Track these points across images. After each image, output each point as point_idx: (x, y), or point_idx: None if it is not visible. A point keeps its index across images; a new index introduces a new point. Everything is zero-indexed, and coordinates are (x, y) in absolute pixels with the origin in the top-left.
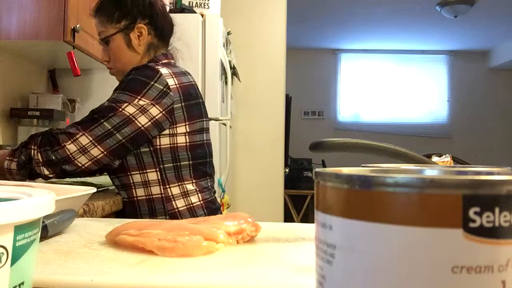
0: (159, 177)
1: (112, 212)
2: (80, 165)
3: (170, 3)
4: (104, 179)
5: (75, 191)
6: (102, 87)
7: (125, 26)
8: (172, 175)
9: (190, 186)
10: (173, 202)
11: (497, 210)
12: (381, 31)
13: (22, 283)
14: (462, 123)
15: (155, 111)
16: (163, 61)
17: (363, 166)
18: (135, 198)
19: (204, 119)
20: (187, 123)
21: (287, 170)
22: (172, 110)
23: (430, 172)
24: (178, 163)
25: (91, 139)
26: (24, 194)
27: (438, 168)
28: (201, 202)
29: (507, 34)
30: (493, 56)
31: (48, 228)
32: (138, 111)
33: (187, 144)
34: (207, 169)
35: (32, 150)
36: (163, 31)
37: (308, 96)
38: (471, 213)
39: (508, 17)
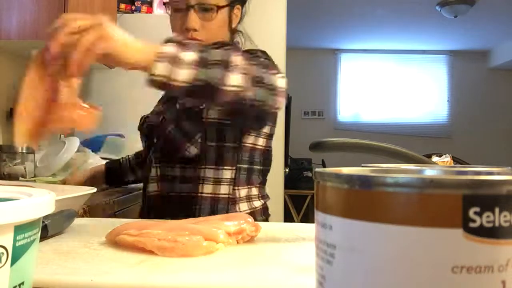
0: (232, 177)
1: (114, 211)
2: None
3: None
4: None
5: (75, 191)
6: (102, 87)
7: (232, 2)
8: (243, 177)
9: (254, 191)
10: (237, 205)
11: (497, 210)
12: (381, 31)
13: (22, 283)
14: (462, 123)
15: None
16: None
17: (363, 166)
18: (198, 194)
19: (274, 124)
20: (270, 124)
21: (287, 170)
22: None
23: (430, 172)
24: (252, 166)
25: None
26: (24, 194)
27: (438, 168)
28: (261, 208)
29: (507, 34)
30: (493, 56)
31: (48, 228)
32: None
33: (264, 148)
34: (267, 176)
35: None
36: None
37: (308, 96)
38: (471, 213)
39: (508, 17)
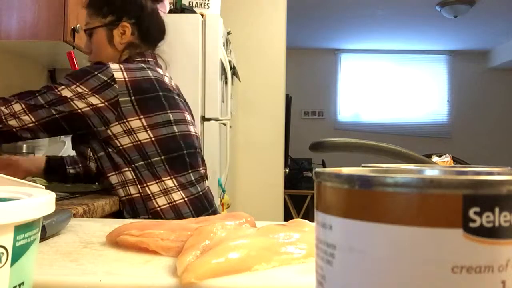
0: (134, 176)
1: (112, 212)
2: (10, 126)
3: (170, 3)
4: None
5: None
6: None
7: (110, 22)
8: (147, 173)
9: (169, 183)
10: (154, 200)
11: (497, 210)
12: (381, 31)
13: (22, 283)
14: (462, 123)
15: (95, 100)
16: (136, 59)
17: (363, 166)
18: (119, 199)
19: (170, 111)
20: (141, 117)
21: (287, 170)
22: (117, 103)
23: (430, 172)
24: (149, 160)
25: (23, 107)
26: (24, 194)
27: (438, 168)
28: (185, 199)
29: (507, 34)
30: (493, 56)
31: (46, 229)
32: (74, 95)
33: (153, 139)
34: (187, 162)
35: None
36: (148, 33)
37: (308, 96)
38: (471, 213)
39: (508, 17)
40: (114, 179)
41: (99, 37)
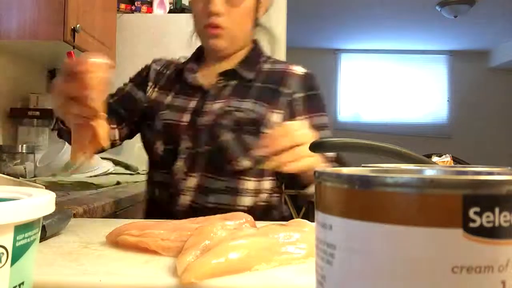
0: (270, 187)
1: (112, 212)
2: None
3: (170, 3)
4: (106, 179)
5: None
6: None
7: None
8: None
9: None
10: (273, 211)
11: (497, 210)
12: (381, 31)
13: (22, 283)
14: (462, 123)
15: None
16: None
17: (363, 166)
18: (236, 206)
19: None
20: None
21: None
22: None
23: (430, 172)
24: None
25: None
26: (24, 194)
27: (438, 168)
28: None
29: (507, 34)
30: (493, 56)
31: (46, 229)
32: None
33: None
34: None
35: None
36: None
37: None
38: (471, 213)
39: (508, 17)
40: (251, 184)
41: (248, 4)
